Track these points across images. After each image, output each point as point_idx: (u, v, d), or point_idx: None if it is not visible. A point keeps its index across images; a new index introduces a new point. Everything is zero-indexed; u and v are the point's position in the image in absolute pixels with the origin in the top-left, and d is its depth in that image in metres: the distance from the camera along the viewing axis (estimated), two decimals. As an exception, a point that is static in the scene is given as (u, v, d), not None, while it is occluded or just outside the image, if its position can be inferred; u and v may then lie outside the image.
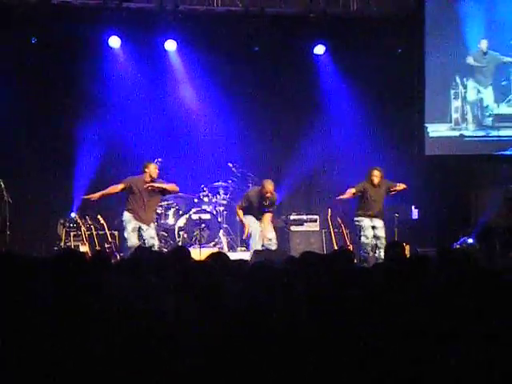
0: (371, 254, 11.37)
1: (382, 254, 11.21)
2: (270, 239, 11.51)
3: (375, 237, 11.47)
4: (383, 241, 11.41)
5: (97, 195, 11.04)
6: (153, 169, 11.16)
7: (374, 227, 11.50)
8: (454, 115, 13.63)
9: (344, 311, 3.55)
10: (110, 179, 11.78)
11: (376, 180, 11.48)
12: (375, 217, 11.53)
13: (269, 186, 11.37)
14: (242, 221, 11.57)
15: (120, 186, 11.08)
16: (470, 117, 13.63)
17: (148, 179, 11.09)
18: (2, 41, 12.20)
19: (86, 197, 11.37)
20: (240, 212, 11.52)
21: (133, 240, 11.01)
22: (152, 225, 11.26)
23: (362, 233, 11.46)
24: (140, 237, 11.07)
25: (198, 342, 3.30)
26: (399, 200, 12.29)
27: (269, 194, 11.37)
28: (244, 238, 11.80)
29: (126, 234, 11.10)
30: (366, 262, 11.15)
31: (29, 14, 12.15)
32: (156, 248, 11.00)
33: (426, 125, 13.51)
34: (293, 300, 3.97)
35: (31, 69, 12.58)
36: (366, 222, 11.47)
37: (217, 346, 3.23)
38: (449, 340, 3.50)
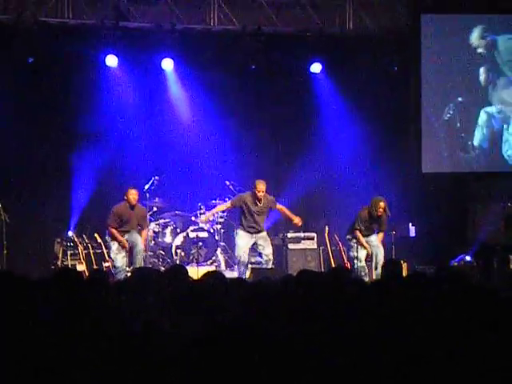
0: (367, 276, 11.37)
1: (379, 265, 11.21)
2: (267, 255, 11.52)
3: (371, 246, 11.56)
4: (380, 256, 11.47)
5: (123, 240, 11.36)
6: (130, 195, 11.40)
7: (367, 241, 11.60)
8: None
9: (341, 329, 3.55)
10: (107, 198, 11.81)
11: (381, 212, 11.51)
12: (370, 234, 11.63)
13: (260, 184, 11.48)
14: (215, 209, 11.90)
15: (115, 224, 11.40)
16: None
17: (129, 206, 11.42)
18: (-2, 60, 12.25)
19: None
20: (222, 207, 11.91)
21: (119, 261, 11.26)
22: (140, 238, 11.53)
23: (354, 253, 11.48)
24: (125, 254, 11.28)
25: (195, 361, 3.29)
26: (396, 217, 12.30)
27: (261, 193, 11.42)
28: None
29: (112, 255, 11.34)
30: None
31: (25, 33, 12.19)
32: (140, 248, 11.29)
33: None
34: (290, 318, 3.97)
35: (28, 88, 12.60)
36: (361, 239, 11.56)
37: (214, 365, 3.22)
38: (447, 357, 3.50)
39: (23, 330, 3.59)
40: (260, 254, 11.63)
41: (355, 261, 11.48)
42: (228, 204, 11.80)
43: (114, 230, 11.35)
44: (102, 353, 3.44)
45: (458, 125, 13.70)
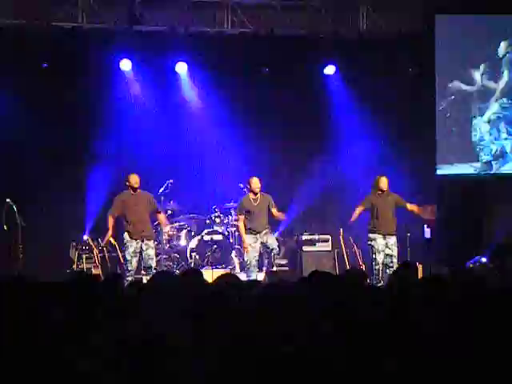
0: (381, 278, 11.26)
1: (388, 270, 11.15)
2: (271, 244, 11.43)
3: (387, 255, 11.37)
4: (394, 259, 11.33)
5: (109, 235, 11.15)
6: (131, 179, 11.15)
7: (386, 246, 11.38)
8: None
9: (355, 333, 3.53)
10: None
11: (383, 186, 11.41)
12: (388, 234, 11.40)
13: (254, 179, 11.47)
14: (242, 236, 11.52)
15: (116, 213, 11.15)
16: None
17: (132, 191, 11.15)
18: (13, 66, 12.30)
19: (104, 243, 11.43)
20: (241, 225, 11.50)
21: (133, 264, 11.02)
22: (152, 243, 11.21)
23: (373, 256, 11.36)
24: (140, 258, 11.08)
25: (211, 366, 3.29)
26: (411, 219, 12.25)
27: (257, 189, 11.40)
28: (245, 259, 11.63)
29: (127, 256, 11.11)
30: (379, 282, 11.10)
31: (40, 38, 12.25)
32: (153, 269, 11.02)
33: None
34: (306, 322, 3.95)
35: (42, 93, 12.66)
36: (378, 242, 11.34)
37: (230, 370, 3.22)
38: (463, 360, 3.48)
39: (38, 333, 3.60)
40: (267, 247, 11.52)
41: (373, 263, 11.35)
42: (242, 219, 11.51)
43: (111, 219, 11.08)
44: (118, 357, 3.44)
45: (473, 126, 13.65)
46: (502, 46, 13.59)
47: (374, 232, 11.42)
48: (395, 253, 11.39)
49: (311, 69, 13.56)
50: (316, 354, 3.34)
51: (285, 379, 3.10)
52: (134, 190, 11.15)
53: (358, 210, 11.55)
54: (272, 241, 11.55)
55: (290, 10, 13.30)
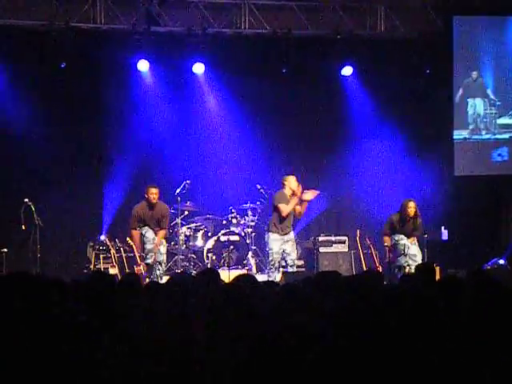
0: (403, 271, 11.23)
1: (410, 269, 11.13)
2: (292, 259, 11.31)
3: (410, 255, 11.33)
4: (417, 259, 11.30)
5: (139, 249, 11.40)
6: (150, 195, 11.35)
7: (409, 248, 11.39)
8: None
9: (373, 335, 3.53)
10: (139, 201, 11.81)
11: (412, 211, 11.27)
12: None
13: (292, 180, 11.31)
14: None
15: (137, 225, 11.42)
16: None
17: (148, 204, 11.41)
18: (31, 66, 12.37)
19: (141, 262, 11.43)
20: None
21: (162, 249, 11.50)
22: (164, 241, 11.58)
23: (402, 251, 11.27)
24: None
25: (228, 366, 3.30)
26: (429, 221, 12.21)
27: (295, 190, 11.21)
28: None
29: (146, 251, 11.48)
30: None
31: (58, 39, 12.30)
32: (163, 265, 11.41)
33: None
34: (322, 322, 3.95)
35: (60, 94, 12.72)
36: (405, 241, 11.36)
37: (247, 370, 3.23)
38: (481, 363, 3.46)
39: (56, 332, 3.62)
40: (284, 258, 11.38)
41: (400, 257, 11.28)
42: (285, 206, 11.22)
43: (134, 232, 11.40)
44: (135, 356, 3.45)
45: (491, 127, 13.61)
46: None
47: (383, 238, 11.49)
48: (415, 252, 11.37)
49: (329, 69, 13.53)
50: (332, 355, 3.33)
51: (302, 380, 3.10)
52: (151, 204, 11.39)
53: (387, 239, 11.45)
54: (294, 256, 11.37)
55: (307, 11, 13.29)
